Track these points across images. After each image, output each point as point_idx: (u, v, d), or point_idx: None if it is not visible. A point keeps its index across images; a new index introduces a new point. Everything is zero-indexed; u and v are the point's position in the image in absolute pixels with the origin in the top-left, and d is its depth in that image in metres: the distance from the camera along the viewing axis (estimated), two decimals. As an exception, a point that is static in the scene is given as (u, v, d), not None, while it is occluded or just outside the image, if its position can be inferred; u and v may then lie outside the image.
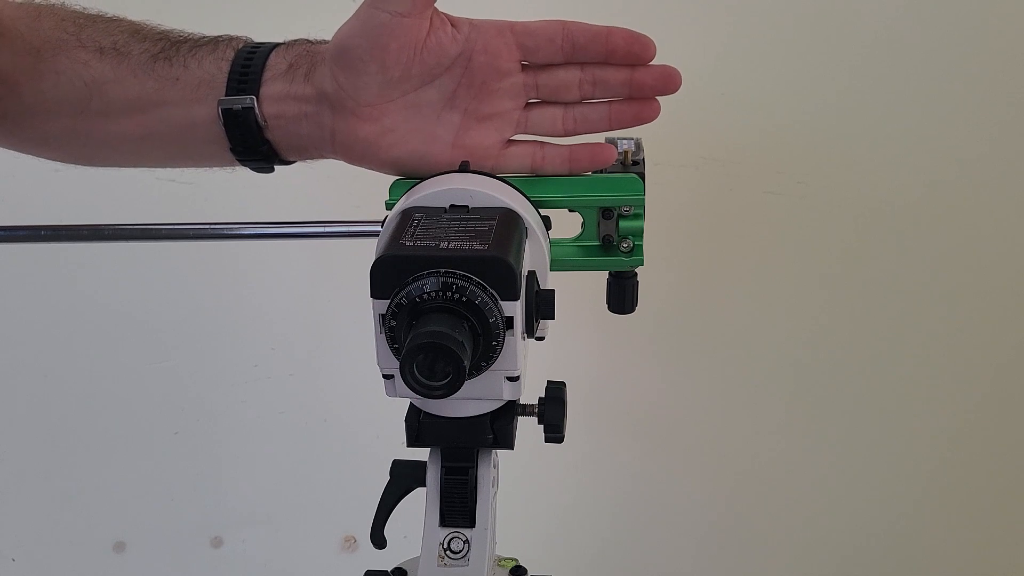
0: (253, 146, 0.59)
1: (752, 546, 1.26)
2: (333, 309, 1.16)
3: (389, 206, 0.59)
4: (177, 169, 1.09)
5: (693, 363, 1.18)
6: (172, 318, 1.17)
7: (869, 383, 1.18)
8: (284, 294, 1.16)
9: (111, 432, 1.21)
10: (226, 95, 0.57)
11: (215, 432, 1.22)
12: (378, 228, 0.57)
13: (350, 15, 0.57)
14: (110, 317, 1.16)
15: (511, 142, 0.61)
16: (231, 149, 0.59)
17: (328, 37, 0.58)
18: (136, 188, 1.10)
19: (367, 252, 0.51)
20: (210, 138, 0.59)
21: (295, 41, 0.60)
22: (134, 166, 0.66)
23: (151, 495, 1.24)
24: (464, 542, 0.56)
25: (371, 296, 0.49)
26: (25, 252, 1.13)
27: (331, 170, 1.09)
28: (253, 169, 0.62)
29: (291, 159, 0.62)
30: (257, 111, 0.57)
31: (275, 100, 0.58)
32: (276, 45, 0.60)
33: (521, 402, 0.55)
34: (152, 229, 0.78)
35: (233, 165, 0.62)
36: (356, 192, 1.03)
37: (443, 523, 0.56)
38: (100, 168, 1.09)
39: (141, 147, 0.62)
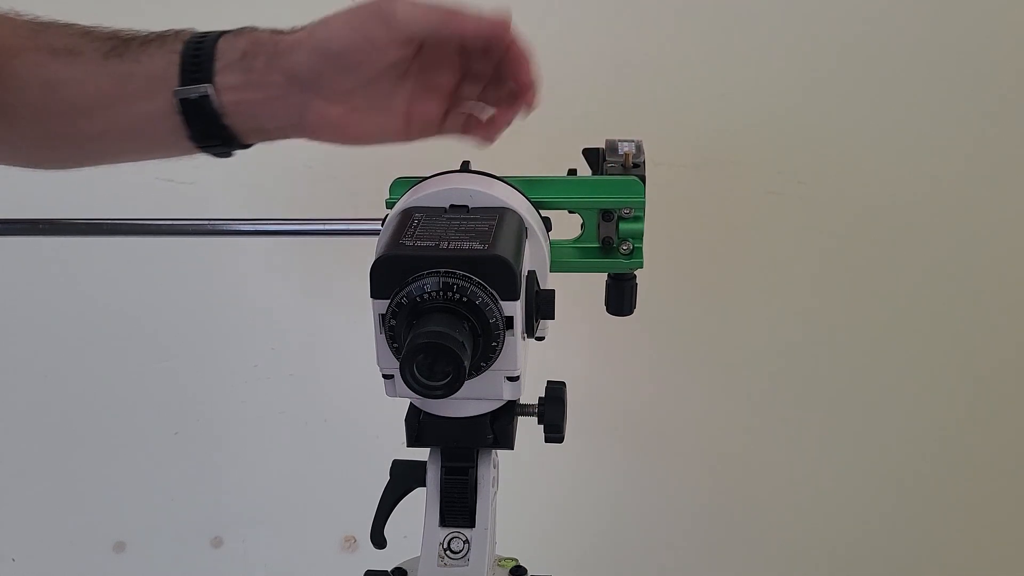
0: (213, 133, 0.60)
1: (750, 546, 1.26)
2: (333, 309, 1.16)
3: (389, 205, 0.59)
4: (177, 168, 1.10)
5: (693, 364, 1.18)
6: (172, 318, 1.17)
7: (869, 383, 1.18)
8: (284, 294, 1.16)
9: (111, 432, 1.21)
10: (180, 86, 0.59)
11: (215, 432, 1.22)
12: (378, 227, 0.57)
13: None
14: (110, 317, 1.16)
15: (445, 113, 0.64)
16: (190, 137, 0.61)
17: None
18: (136, 187, 1.10)
19: (367, 251, 0.51)
20: (169, 129, 0.60)
21: (241, 29, 0.61)
22: (99, 164, 0.67)
23: (151, 495, 1.24)
24: (464, 542, 0.56)
25: (371, 296, 0.49)
26: (25, 251, 1.13)
27: (331, 170, 1.09)
28: (213, 155, 0.63)
29: (250, 142, 0.63)
30: (214, 99, 0.59)
31: (234, 88, 0.59)
32: (222, 33, 0.61)
33: (521, 402, 0.55)
34: (151, 225, 0.77)
35: (193, 153, 0.63)
36: (356, 192, 1.04)
37: (443, 523, 0.56)
38: (91, 169, 1.08)
39: (104, 145, 0.63)
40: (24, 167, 0.66)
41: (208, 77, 0.59)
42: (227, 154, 0.63)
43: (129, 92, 0.60)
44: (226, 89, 0.59)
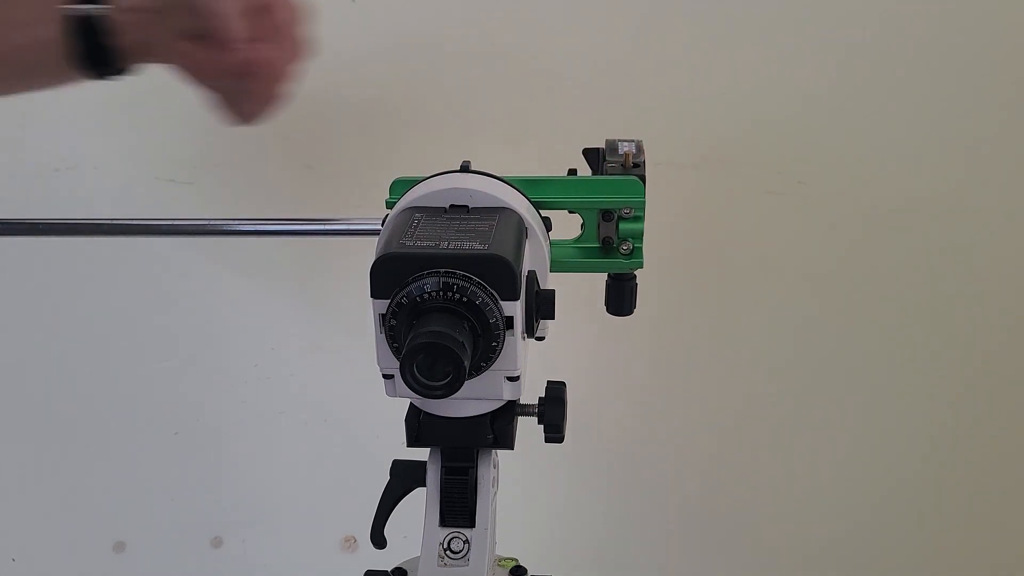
0: (102, 56, 0.57)
1: (751, 546, 1.26)
2: (333, 309, 1.16)
3: (389, 205, 0.59)
4: (177, 168, 1.10)
5: (693, 364, 1.18)
6: (172, 318, 1.17)
7: (870, 383, 1.18)
8: (284, 294, 1.16)
9: (111, 432, 1.21)
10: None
11: (215, 432, 1.22)
12: (378, 227, 0.57)
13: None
14: (110, 317, 1.16)
15: None
16: (78, 56, 0.57)
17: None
18: (135, 188, 1.10)
19: (367, 251, 0.51)
20: (53, 55, 0.57)
21: None
22: None
23: (151, 495, 1.24)
24: (464, 542, 0.56)
25: (371, 296, 0.49)
26: (24, 252, 1.13)
27: (332, 169, 1.09)
28: (97, 77, 0.59)
29: (135, 63, 0.60)
30: (107, 18, 0.56)
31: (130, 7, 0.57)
32: None
33: (521, 402, 0.55)
34: (151, 225, 0.77)
35: (73, 81, 0.59)
36: (356, 191, 1.03)
37: (443, 523, 0.56)
38: (100, 169, 1.07)
39: None
40: None
41: None
42: (116, 75, 0.59)
43: (16, 17, 0.56)
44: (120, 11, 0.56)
